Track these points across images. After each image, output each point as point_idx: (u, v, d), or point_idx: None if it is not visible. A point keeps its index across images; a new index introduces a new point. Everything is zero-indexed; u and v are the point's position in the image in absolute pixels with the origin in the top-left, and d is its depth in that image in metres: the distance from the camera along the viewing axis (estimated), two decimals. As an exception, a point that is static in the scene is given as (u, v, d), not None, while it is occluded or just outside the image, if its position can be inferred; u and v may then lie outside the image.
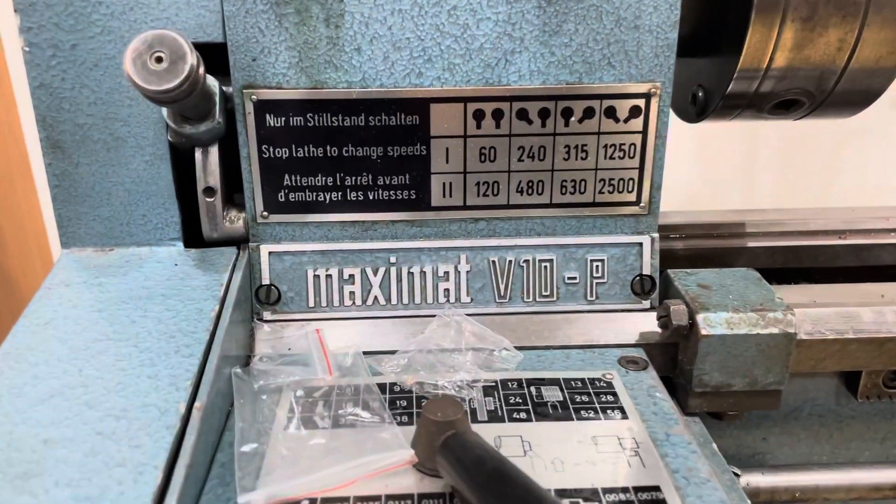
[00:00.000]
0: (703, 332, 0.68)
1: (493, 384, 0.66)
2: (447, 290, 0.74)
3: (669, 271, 0.76)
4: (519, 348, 0.71)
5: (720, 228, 0.99)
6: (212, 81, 0.67)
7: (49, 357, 0.60)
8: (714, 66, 0.79)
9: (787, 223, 1.00)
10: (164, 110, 0.67)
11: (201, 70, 0.61)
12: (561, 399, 0.64)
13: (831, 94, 0.78)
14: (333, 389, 0.64)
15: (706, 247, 0.97)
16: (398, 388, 0.66)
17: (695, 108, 0.83)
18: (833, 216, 1.02)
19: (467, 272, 0.74)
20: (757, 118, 0.82)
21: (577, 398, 0.65)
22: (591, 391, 0.66)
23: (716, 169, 1.99)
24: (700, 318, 0.69)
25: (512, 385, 0.66)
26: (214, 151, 0.70)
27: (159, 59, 0.58)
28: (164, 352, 0.61)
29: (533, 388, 0.66)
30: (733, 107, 0.80)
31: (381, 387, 0.66)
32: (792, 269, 0.99)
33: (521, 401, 0.64)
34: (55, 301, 0.67)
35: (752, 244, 0.98)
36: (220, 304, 0.66)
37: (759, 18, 0.72)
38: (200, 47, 0.65)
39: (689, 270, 0.76)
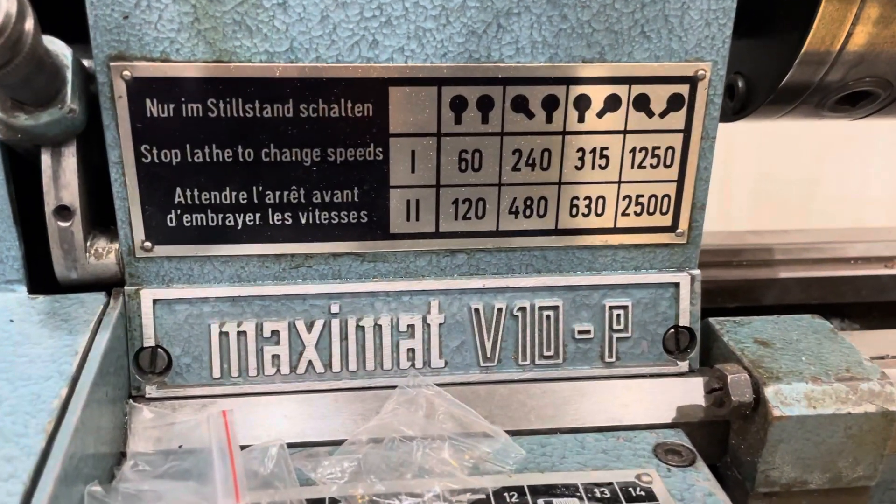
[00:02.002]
0: (776, 412, 0.49)
1: (484, 497, 0.45)
2: (412, 350, 0.54)
3: (712, 321, 0.57)
4: (514, 432, 0.51)
5: (742, 255, 0.81)
6: (58, 49, 0.46)
7: None
8: (763, 50, 0.61)
9: (821, 248, 0.82)
10: (-16, 91, 0.44)
11: (28, 25, 0.38)
12: (585, 523, 0.44)
13: (911, 85, 0.59)
14: (243, 517, 0.42)
15: (730, 278, 0.79)
16: (343, 509, 0.44)
17: (732, 102, 0.64)
18: (874, 238, 0.84)
19: (440, 325, 0.54)
20: (812, 116, 0.63)
21: (609, 520, 0.44)
22: (626, 506, 0.45)
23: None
24: (769, 391, 0.50)
25: (511, 498, 0.45)
26: (70, 153, 0.49)
27: (-54, -1, 0.36)
28: (-33, 471, 0.38)
29: (542, 503, 0.45)
30: (787, 101, 0.61)
31: (318, 505, 0.44)
32: (827, 305, 0.81)
33: (527, 527, 0.43)
34: None
35: (783, 275, 0.80)
36: (70, 387, 0.44)
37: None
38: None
39: (737, 319, 0.58)
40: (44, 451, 0.41)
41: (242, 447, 0.48)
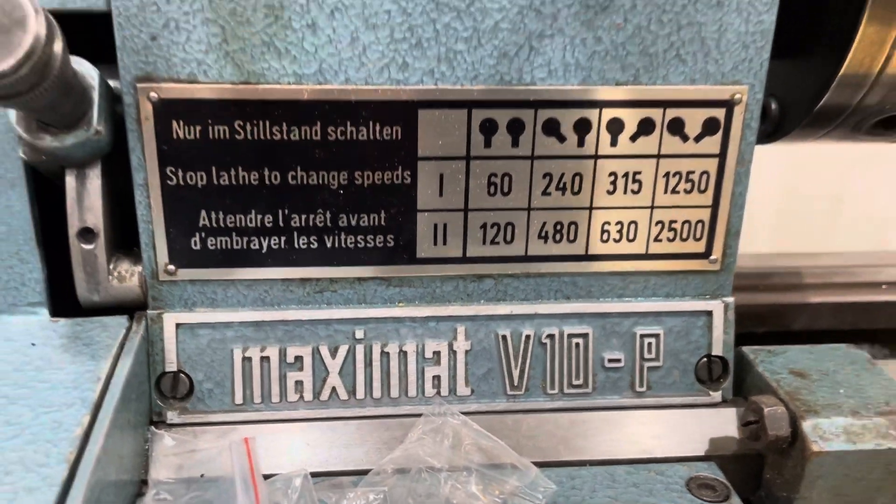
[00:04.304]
0: (815, 447, 0.47)
1: (514, 534, 0.44)
2: (437, 377, 0.52)
3: (746, 350, 0.56)
4: (542, 464, 0.50)
5: (771, 278, 0.79)
6: (85, 70, 0.45)
7: None
8: (798, 72, 0.60)
9: (852, 272, 0.80)
10: (10, 113, 0.43)
11: (57, 47, 0.38)
12: (619, 562, 0.42)
13: (951, 109, 0.58)
14: (267, 551, 0.41)
15: (758, 303, 0.77)
16: (368, 544, 0.43)
17: (763, 125, 0.62)
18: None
19: (467, 352, 0.52)
20: (848, 139, 0.62)
21: (643, 559, 0.43)
22: (662, 546, 0.43)
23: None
24: (808, 426, 0.48)
25: (541, 535, 0.44)
26: (94, 175, 0.48)
27: (-21, 24, 0.35)
28: (-13, 502, 0.37)
29: (574, 541, 0.44)
30: (822, 124, 0.59)
31: (342, 540, 0.43)
32: (858, 331, 0.79)
33: (558, 566, 0.42)
34: None
35: (813, 299, 0.78)
36: (93, 414, 0.43)
37: (873, 16, 0.52)
38: (71, 18, 0.42)
39: (771, 349, 0.57)
40: (66, 482, 0.40)
41: (265, 476, 0.47)
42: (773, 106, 0.64)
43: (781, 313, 0.77)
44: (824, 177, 1.70)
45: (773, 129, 0.64)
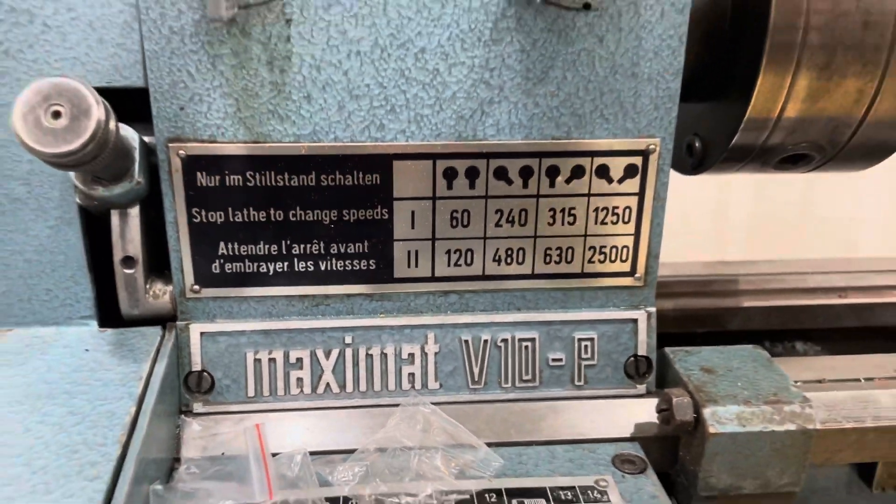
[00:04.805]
0: (712, 429, 0.59)
1: (468, 497, 0.56)
2: (412, 374, 0.64)
3: (667, 350, 0.67)
4: (496, 444, 0.61)
5: (712, 286, 0.91)
6: (129, 134, 0.56)
7: (-85, 482, 0.48)
8: (715, 115, 0.70)
9: (783, 279, 0.92)
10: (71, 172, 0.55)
11: (112, 125, 0.49)
12: (549, 518, 0.54)
13: (844, 147, 0.69)
14: (274, 511, 0.53)
15: (699, 307, 0.88)
16: (354, 505, 0.55)
17: (691, 159, 0.74)
18: (831, 268, 0.94)
19: (436, 353, 0.64)
20: (760, 172, 0.73)
21: (568, 516, 0.55)
22: (583, 506, 0.55)
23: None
24: (707, 412, 0.60)
25: (490, 498, 0.56)
26: (134, 214, 0.59)
27: (57, 115, 0.47)
28: (63, 473, 0.50)
29: (515, 502, 0.55)
30: (736, 160, 0.71)
31: (333, 502, 0.55)
32: (790, 330, 0.91)
33: (501, 521, 0.54)
34: (-68, 402, 0.54)
35: (747, 304, 0.89)
36: (138, 405, 0.55)
37: (770, 64, 0.63)
38: (116, 93, 0.54)
39: (689, 349, 0.67)
40: (119, 458, 0.51)
41: (273, 454, 0.59)
42: (697, 144, 0.74)
43: (719, 316, 0.89)
44: (793, 181, 1.80)
45: (697, 163, 0.75)
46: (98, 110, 0.48)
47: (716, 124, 0.71)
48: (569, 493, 0.57)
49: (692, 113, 0.73)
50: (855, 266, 0.95)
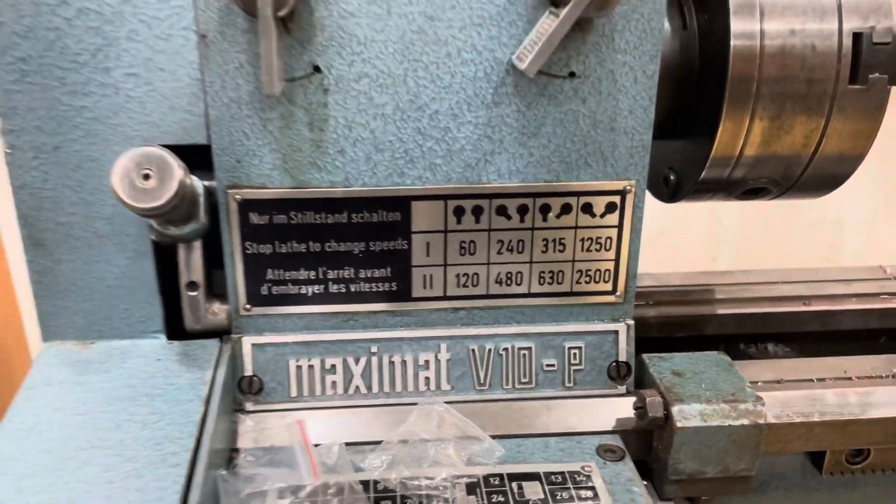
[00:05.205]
0: (678, 424, 0.71)
1: (476, 480, 0.68)
2: (427, 378, 0.76)
3: (644, 356, 0.78)
4: (499, 436, 0.73)
5: (690, 295, 1.02)
6: (195, 183, 0.68)
7: (34, 468, 0.60)
8: (686, 152, 0.82)
9: (754, 289, 1.03)
10: (149, 215, 0.67)
11: (188, 181, 0.61)
12: (542, 497, 0.66)
13: (798, 181, 0.81)
14: (319, 490, 0.65)
15: (678, 314, 0.99)
16: (382, 487, 0.67)
17: (667, 189, 0.85)
18: (797, 277, 1.05)
19: (447, 360, 0.76)
20: (727, 200, 0.85)
21: (559, 494, 0.67)
22: (571, 487, 0.67)
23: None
24: (675, 410, 0.71)
25: (494, 481, 0.68)
26: (198, 247, 0.71)
27: (147, 177, 0.59)
28: (150, 461, 0.61)
29: (515, 485, 0.68)
30: (706, 191, 0.82)
31: (365, 484, 0.67)
32: (760, 334, 1.03)
33: (503, 499, 0.66)
34: (37, 403, 0.67)
35: (721, 311, 1.01)
36: (206, 406, 0.67)
37: (729, 115, 0.74)
38: (184, 149, 0.66)
39: (663, 355, 0.79)
40: (194, 449, 0.63)
41: (314, 445, 0.71)
42: (672, 176, 0.85)
43: (696, 322, 1.01)
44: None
45: (672, 193, 0.87)
46: (179, 173, 0.60)
47: (687, 160, 0.82)
48: (559, 478, 0.69)
49: (668, 148, 0.85)
50: (819, 276, 1.06)
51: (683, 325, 1.00)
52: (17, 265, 1.82)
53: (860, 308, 1.02)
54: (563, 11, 0.61)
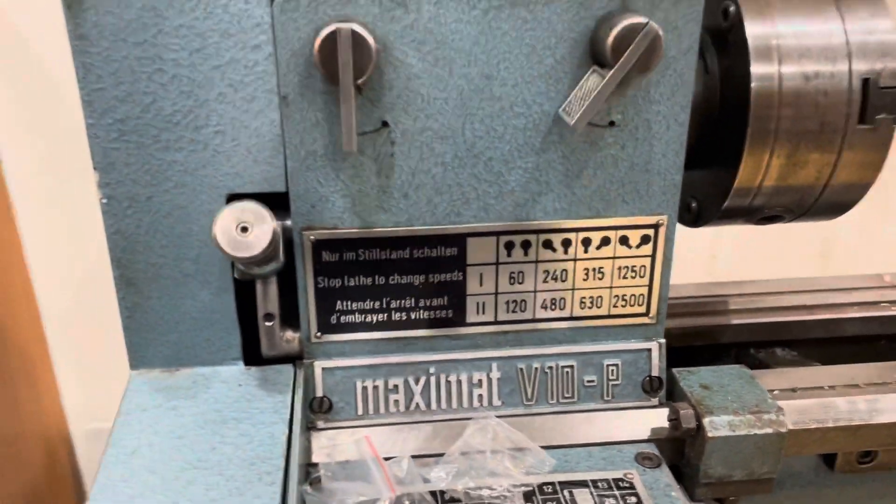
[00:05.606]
0: (710, 434, 0.79)
1: (531, 489, 0.76)
2: (481, 395, 0.83)
3: (674, 371, 0.87)
4: (547, 447, 0.81)
5: (706, 306, 1.10)
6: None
7: (143, 489, 0.68)
8: (707, 182, 0.89)
9: (764, 299, 1.12)
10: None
11: (279, 231, 0.69)
12: (592, 502, 0.74)
13: (810, 208, 0.89)
14: (395, 502, 0.73)
15: (696, 325, 1.08)
16: (448, 497, 0.75)
17: (689, 216, 0.93)
18: (801, 288, 1.14)
19: (498, 379, 0.83)
20: (745, 224, 0.93)
21: (606, 501, 0.75)
22: (616, 494, 0.76)
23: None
24: (706, 421, 0.79)
25: (547, 489, 0.76)
26: (273, 282, 0.78)
27: (245, 230, 0.66)
28: (248, 479, 0.69)
29: (566, 492, 0.76)
30: (727, 218, 0.90)
31: (434, 495, 0.75)
32: (770, 341, 1.11)
33: (557, 506, 0.74)
34: (136, 428, 0.74)
35: (735, 321, 1.09)
36: (290, 427, 0.74)
37: (750, 152, 0.82)
38: (263, 196, 0.73)
39: (691, 369, 0.87)
40: (285, 468, 0.71)
41: (385, 458, 0.79)
42: (693, 204, 0.94)
43: (712, 332, 1.09)
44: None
45: (695, 219, 0.95)
46: (273, 225, 0.67)
47: (709, 190, 0.90)
48: (605, 484, 0.77)
49: (689, 178, 0.93)
50: (821, 285, 1.15)
51: (701, 334, 1.08)
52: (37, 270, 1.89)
53: (861, 316, 1.11)
54: (609, 73, 0.69)
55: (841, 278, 1.17)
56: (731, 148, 0.84)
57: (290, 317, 0.82)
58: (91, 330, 2.04)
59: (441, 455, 0.80)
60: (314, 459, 0.79)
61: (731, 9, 0.82)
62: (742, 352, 1.13)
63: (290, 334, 0.81)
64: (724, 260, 2.13)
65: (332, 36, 0.65)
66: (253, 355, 0.82)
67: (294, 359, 0.82)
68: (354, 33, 0.65)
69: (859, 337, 1.12)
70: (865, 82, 0.81)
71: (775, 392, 0.89)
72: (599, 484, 0.77)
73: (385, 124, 0.73)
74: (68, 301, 1.96)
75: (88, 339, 2.02)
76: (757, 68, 0.81)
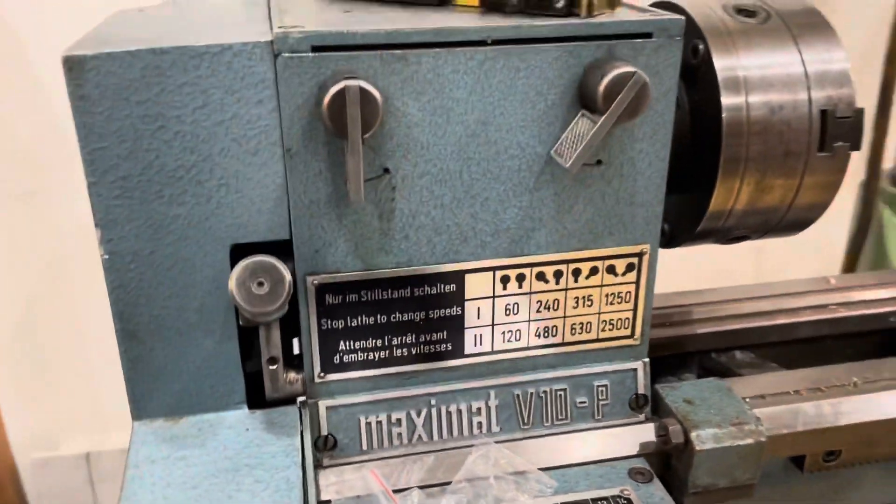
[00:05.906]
0: (697, 447, 0.84)
1: (538, 512, 0.80)
2: (480, 422, 0.87)
3: (658, 387, 0.92)
4: (545, 468, 0.85)
5: (672, 317, 1.16)
6: None
7: (168, 544, 0.68)
8: (681, 206, 0.95)
9: (726, 307, 1.18)
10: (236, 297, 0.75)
11: (290, 279, 0.70)
12: (596, 522, 0.79)
13: (774, 227, 0.95)
14: (410, 536, 0.76)
15: (664, 336, 1.14)
16: (461, 526, 0.78)
17: (662, 238, 0.98)
18: (760, 294, 1.21)
19: (496, 406, 0.87)
20: (715, 244, 0.99)
21: (608, 519, 0.79)
22: (617, 511, 0.80)
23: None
24: (693, 435, 0.85)
25: (552, 511, 0.80)
26: (276, 326, 0.79)
27: (261, 284, 0.67)
28: (268, 526, 0.70)
29: (570, 512, 0.80)
30: (699, 239, 0.96)
31: (446, 525, 0.78)
32: (733, 347, 1.18)
33: (564, 528, 0.78)
34: (149, 481, 0.74)
35: (700, 330, 1.15)
36: (302, 469, 0.76)
37: (722, 180, 0.88)
38: (268, 244, 0.74)
39: (673, 385, 0.92)
40: (303, 506, 0.73)
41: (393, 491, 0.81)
42: (667, 227, 0.99)
43: (680, 342, 1.15)
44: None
45: (667, 241, 1.00)
46: (287, 277, 0.69)
47: (681, 214, 0.96)
48: (605, 502, 0.82)
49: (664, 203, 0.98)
50: (778, 290, 1.22)
51: (668, 345, 1.14)
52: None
53: (813, 319, 1.19)
54: (601, 119, 0.73)
55: (792, 282, 1.25)
56: (703, 175, 0.89)
57: (290, 357, 0.83)
58: (34, 360, 1.99)
59: (447, 484, 0.82)
60: (324, 497, 0.81)
61: (700, 47, 0.87)
62: (704, 356, 1.20)
63: (292, 375, 0.83)
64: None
65: (342, 92, 0.67)
66: (257, 396, 0.83)
67: (296, 398, 0.84)
68: (363, 90, 0.67)
69: (811, 338, 1.20)
70: (824, 113, 0.87)
71: (746, 399, 0.95)
72: (600, 502, 0.81)
73: (386, 171, 0.75)
74: (10, 329, 1.91)
75: (31, 369, 1.97)
76: (727, 99, 0.86)
